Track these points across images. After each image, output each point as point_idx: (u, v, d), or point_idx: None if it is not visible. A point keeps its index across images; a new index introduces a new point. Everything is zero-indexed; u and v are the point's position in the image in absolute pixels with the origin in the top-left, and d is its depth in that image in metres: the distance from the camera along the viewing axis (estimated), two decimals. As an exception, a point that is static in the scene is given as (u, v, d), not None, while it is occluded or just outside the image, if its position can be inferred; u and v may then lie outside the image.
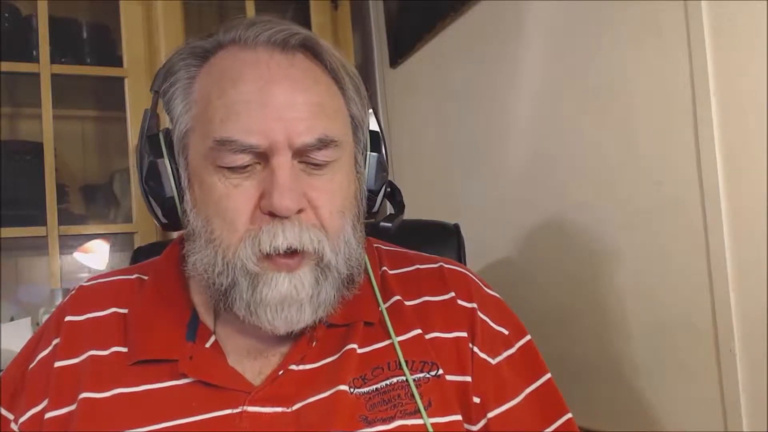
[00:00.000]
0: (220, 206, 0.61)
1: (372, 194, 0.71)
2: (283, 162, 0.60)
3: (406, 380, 0.65)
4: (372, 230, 0.73)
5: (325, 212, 0.63)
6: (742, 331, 0.88)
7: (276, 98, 0.61)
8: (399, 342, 0.67)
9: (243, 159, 0.60)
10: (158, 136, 0.66)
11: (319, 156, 0.62)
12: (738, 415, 0.89)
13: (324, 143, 0.62)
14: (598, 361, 1.14)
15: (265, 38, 0.63)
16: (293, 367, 0.65)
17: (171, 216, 0.67)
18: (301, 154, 0.61)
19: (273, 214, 0.60)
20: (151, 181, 0.66)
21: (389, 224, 0.73)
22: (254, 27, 0.63)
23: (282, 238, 0.60)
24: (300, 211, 0.61)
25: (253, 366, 0.67)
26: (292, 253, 0.61)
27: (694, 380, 0.96)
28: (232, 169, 0.61)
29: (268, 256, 0.61)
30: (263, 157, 0.61)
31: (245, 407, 0.63)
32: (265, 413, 0.62)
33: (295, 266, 0.62)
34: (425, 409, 0.63)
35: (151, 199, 0.67)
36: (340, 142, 0.63)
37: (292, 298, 0.62)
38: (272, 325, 0.62)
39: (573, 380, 1.13)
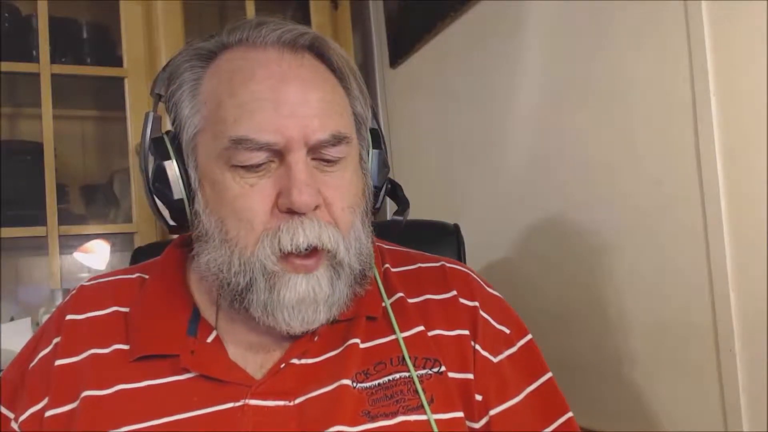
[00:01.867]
0: (236, 206, 0.62)
1: (375, 191, 0.72)
2: (299, 158, 0.61)
3: (410, 376, 0.65)
4: (380, 226, 0.73)
5: (338, 209, 0.63)
6: (742, 331, 0.88)
7: (288, 96, 0.61)
8: (402, 338, 0.67)
9: (259, 157, 0.61)
10: (164, 138, 0.66)
11: (332, 152, 0.63)
12: (738, 415, 0.89)
13: (337, 139, 0.62)
14: (598, 360, 1.14)
15: (274, 38, 0.63)
16: (295, 361, 0.66)
17: (180, 218, 0.67)
18: (315, 150, 0.62)
19: (291, 212, 0.61)
20: (159, 184, 0.65)
21: (400, 218, 0.73)
22: (263, 27, 0.64)
23: (303, 236, 0.60)
24: (316, 208, 0.62)
25: (255, 360, 0.67)
26: (310, 252, 0.61)
27: (693, 380, 0.96)
28: (248, 168, 0.61)
29: (286, 257, 0.61)
30: (278, 154, 0.61)
31: (247, 401, 0.63)
32: (267, 407, 0.63)
33: (313, 267, 0.62)
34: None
35: (158, 201, 0.66)
36: (350, 138, 0.64)
37: (310, 299, 0.62)
38: (289, 326, 0.63)
39: (573, 380, 1.13)
